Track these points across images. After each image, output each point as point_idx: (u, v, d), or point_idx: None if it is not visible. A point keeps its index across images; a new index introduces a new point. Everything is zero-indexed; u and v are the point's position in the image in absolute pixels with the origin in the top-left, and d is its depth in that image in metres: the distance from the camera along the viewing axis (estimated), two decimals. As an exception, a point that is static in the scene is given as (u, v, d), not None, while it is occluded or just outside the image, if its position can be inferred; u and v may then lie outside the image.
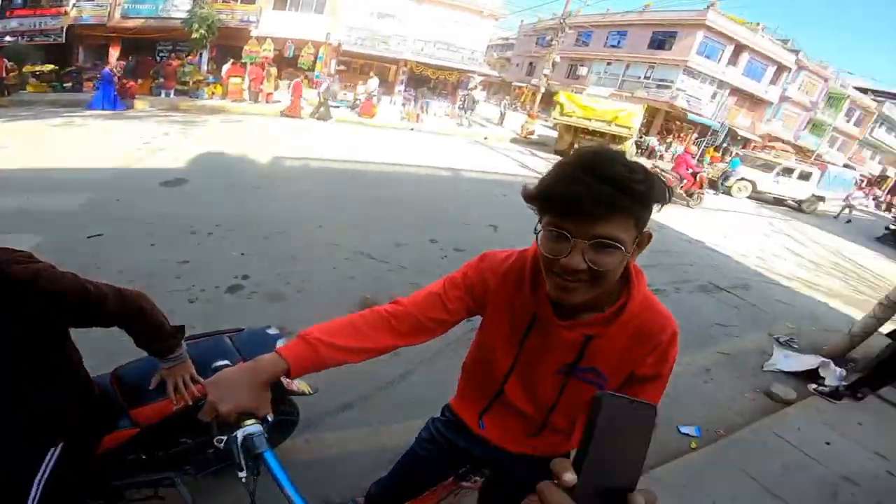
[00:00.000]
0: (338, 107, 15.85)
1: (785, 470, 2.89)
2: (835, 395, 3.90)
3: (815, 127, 30.80)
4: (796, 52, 27.45)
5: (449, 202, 7.29)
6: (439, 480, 1.39)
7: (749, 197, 16.09)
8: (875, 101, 33.14)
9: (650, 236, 0.86)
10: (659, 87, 25.67)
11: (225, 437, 0.84)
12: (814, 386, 4.04)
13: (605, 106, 15.27)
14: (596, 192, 0.74)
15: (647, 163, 18.69)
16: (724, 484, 2.65)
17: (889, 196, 32.02)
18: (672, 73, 25.32)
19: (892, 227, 14.76)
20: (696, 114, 24.98)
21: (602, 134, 14.83)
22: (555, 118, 16.02)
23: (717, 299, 5.72)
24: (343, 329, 0.96)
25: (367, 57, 19.84)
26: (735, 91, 26.60)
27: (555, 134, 17.28)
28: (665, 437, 3.10)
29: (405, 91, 20.73)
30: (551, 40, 19.77)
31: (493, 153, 13.80)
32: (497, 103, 27.59)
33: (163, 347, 1.30)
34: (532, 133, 18.32)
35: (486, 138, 16.87)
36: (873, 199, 30.88)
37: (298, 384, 1.80)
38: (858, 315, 5.27)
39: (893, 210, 26.86)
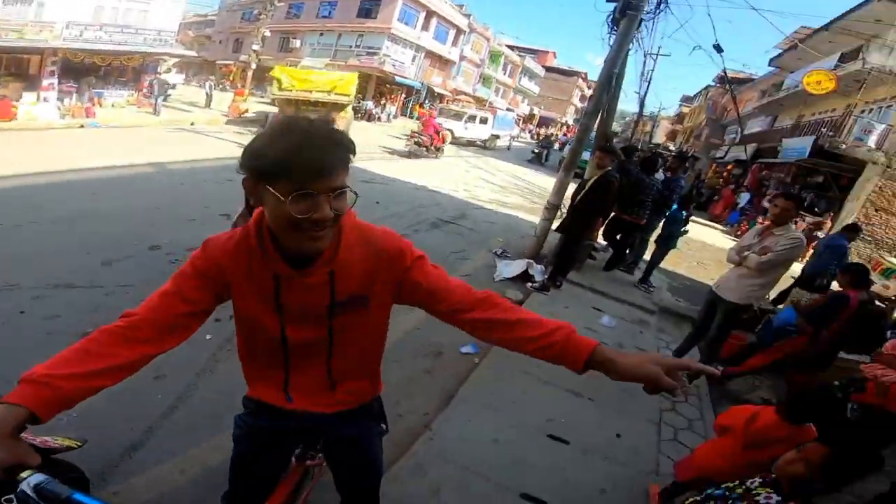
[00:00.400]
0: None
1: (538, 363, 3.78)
2: (544, 287, 5.16)
3: (485, 80, 38.38)
4: (468, 16, 32.82)
5: (163, 201, 6.17)
6: (282, 468, 1.38)
7: (450, 143, 19.25)
8: (519, 55, 43.39)
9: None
10: (368, 54, 27.16)
11: (12, 496, 0.75)
12: (529, 284, 5.26)
13: (322, 77, 15.41)
14: (331, 154, 0.89)
15: (368, 125, 19.98)
16: (513, 385, 3.20)
17: (536, 129, 43.52)
18: (379, 40, 27.03)
19: (535, 150, 20.31)
20: (402, 76, 27.69)
21: (324, 104, 14.97)
22: (273, 94, 15.31)
23: (446, 231, 6.85)
24: (74, 357, 0.87)
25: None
26: (429, 54, 30.37)
27: (273, 109, 16.48)
28: (452, 360, 3.55)
29: (62, 83, 15.79)
30: (259, 14, 18.30)
31: (206, 138, 12.25)
32: (201, 84, 24.12)
33: None
34: (246, 111, 17.07)
35: (192, 124, 14.80)
36: (528, 132, 41.67)
37: (58, 440, 1.40)
38: (537, 220, 6.94)
39: (537, 139, 36.37)
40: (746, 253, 3.51)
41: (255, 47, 18.17)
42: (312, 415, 1.23)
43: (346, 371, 1.20)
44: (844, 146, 12.94)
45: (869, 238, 12.38)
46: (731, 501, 1.67)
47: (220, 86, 28.03)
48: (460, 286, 1.09)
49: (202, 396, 2.70)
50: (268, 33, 19.45)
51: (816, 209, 13.68)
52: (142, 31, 17.00)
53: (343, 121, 15.31)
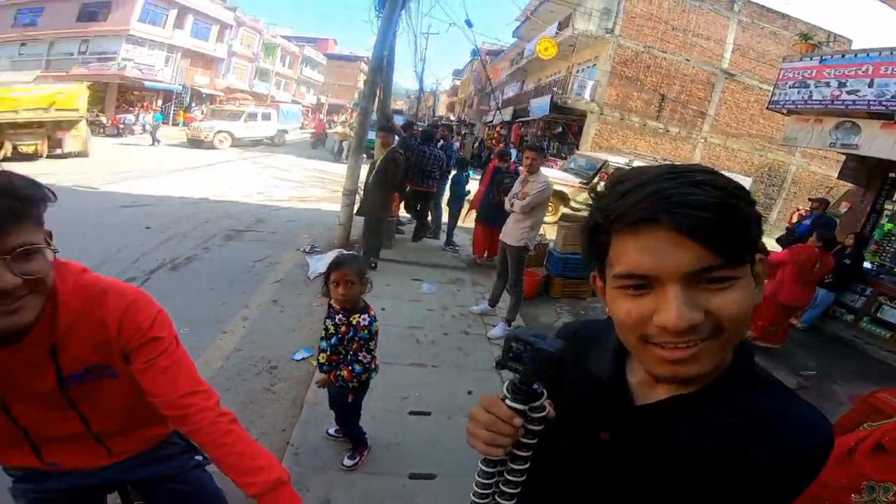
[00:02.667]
0: None
1: (381, 342, 3.57)
2: None
3: (262, 74, 35.64)
4: (233, 9, 29.57)
5: None
6: None
7: (232, 146, 17.48)
8: (298, 45, 41.27)
9: (51, 233, 0.86)
10: (101, 60, 22.70)
11: None
12: None
13: (32, 93, 12.19)
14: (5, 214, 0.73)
15: (117, 141, 16.66)
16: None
17: (325, 118, 42.71)
18: (113, 43, 22.85)
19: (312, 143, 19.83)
20: (153, 80, 24.01)
21: (41, 124, 11.84)
22: None
23: (244, 241, 6.25)
24: None
25: None
26: (188, 52, 26.65)
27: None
28: (290, 369, 3.34)
29: None
30: None
31: None
32: None
33: None
34: None
35: None
36: (319, 121, 40.48)
37: None
38: (339, 208, 6.88)
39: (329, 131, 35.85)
40: (513, 200, 4.11)
41: None
42: (98, 470, 1.08)
43: (115, 431, 1.05)
44: (570, 101, 16.07)
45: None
46: None
47: None
48: (182, 387, 0.97)
49: None
50: None
51: (562, 154, 16.81)
52: None
53: (76, 139, 12.54)
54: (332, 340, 2.17)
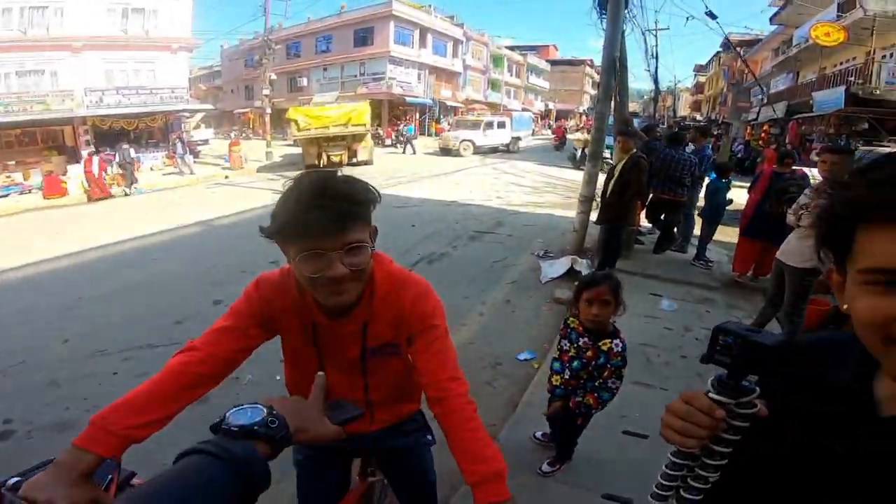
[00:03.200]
0: (5, 195, 12.18)
1: None
2: None
3: (494, 85, 38.46)
4: (461, 25, 33.18)
5: (214, 258, 6.48)
6: (344, 484, 1.46)
7: (473, 153, 19.36)
8: (521, 54, 43.36)
9: (377, 228, 1.04)
10: (374, 80, 27.69)
11: None
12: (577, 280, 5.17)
13: (336, 111, 15.65)
14: (336, 212, 0.89)
15: (393, 150, 20.13)
16: None
17: (556, 123, 43.06)
18: (381, 64, 27.60)
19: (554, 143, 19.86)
20: (412, 96, 28.13)
21: (343, 137, 15.23)
22: (294, 135, 15.75)
23: (485, 242, 6.89)
24: (141, 402, 0.93)
25: (23, 124, 15.37)
26: (433, 69, 30.78)
27: (297, 150, 17.05)
28: (512, 368, 3.51)
29: (101, 153, 16.80)
30: (260, 59, 18.95)
31: (242, 190, 12.79)
32: (226, 136, 25.35)
33: None
34: (243, 162, 16.82)
35: (226, 177, 15.47)
36: (549, 128, 41.23)
37: None
38: (574, 214, 6.86)
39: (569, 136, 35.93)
40: (802, 212, 3.40)
41: (265, 92, 18.63)
42: (357, 434, 1.28)
43: (382, 401, 1.26)
44: (878, 91, 12.34)
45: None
46: None
47: (244, 134, 29.28)
48: (447, 371, 1.08)
49: None
50: (273, 76, 19.91)
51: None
52: (156, 90, 17.75)
53: (365, 150, 15.61)
54: (574, 364, 2.08)
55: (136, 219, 9.29)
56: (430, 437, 1.43)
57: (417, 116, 29.90)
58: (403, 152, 19.73)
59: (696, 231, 6.20)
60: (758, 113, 20.89)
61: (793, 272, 3.47)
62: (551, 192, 10.96)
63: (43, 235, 8.22)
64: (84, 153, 15.25)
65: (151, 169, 16.84)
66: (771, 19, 20.67)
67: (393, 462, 1.43)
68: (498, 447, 1.02)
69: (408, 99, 28.02)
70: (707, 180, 6.08)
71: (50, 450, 2.43)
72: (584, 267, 5.43)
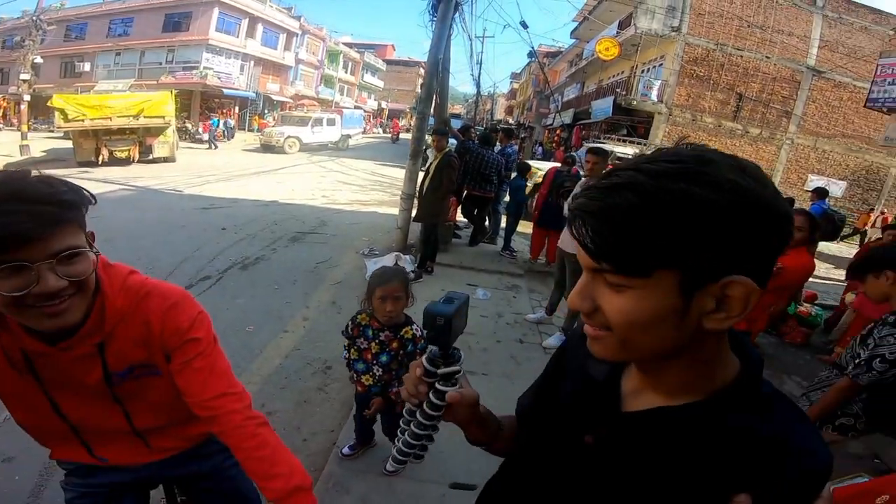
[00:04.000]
0: None
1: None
2: (417, 276, 5.16)
3: (327, 81, 37.28)
4: (299, 17, 31.21)
5: None
6: None
7: (300, 150, 18.42)
8: (358, 52, 42.91)
9: (93, 234, 0.88)
10: (185, 69, 24.67)
11: None
12: None
13: (123, 101, 13.19)
14: (36, 214, 0.74)
15: (197, 146, 18.05)
16: None
17: (387, 122, 44.16)
18: (195, 52, 24.66)
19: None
20: (231, 88, 25.66)
21: (133, 130, 12.89)
22: (60, 127, 12.79)
23: (308, 243, 6.52)
24: None
25: None
26: (259, 61, 28.39)
27: (68, 145, 13.75)
28: (344, 371, 3.26)
29: None
30: (23, 40, 15.07)
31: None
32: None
33: None
34: None
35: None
36: (380, 127, 42.04)
37: None
38: (397, 212, 7.03)
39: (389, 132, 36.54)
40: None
41: (24, 77, 14.94)
42: (146, 465, 1.12)
43: (157, 427, 1.09)
44: (635, 102, 15.43)
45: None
46: None
47: (-12, 123, 22.89)
48: (215, 388, 0.98)
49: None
50: (39, 60, 16.29)
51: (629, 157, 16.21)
52: None
53: (164, 146, 13.46)
54: (382, 359, 2.09)
55: None
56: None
57: (237, 110, 27.18)
58: (209, 147, 17.72)
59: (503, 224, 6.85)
60: (553, 118, 24.41)
61: (571, 259, 4.03)
62: (378, 190, 11.01)
63: None
64: None
65: None
66: (571, 33, 24.19)
67: (197, 489, 1.27)
68: (294, 459, 0.97)
69: (226, 91, 25.31)
70: (511, 177, 6.77)
71: None
72: (407, 263, 5.51)
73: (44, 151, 14.36)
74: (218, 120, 20.74)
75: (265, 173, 12.62)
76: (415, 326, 2.08)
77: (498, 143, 7.05)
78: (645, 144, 14.79)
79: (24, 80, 14.80)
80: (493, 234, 7.01)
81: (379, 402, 2.15)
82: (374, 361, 2.10)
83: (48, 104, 13.19)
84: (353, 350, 2.15)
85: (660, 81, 15.37)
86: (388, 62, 52.27)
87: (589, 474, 0.60)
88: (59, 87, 20.90)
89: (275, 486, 0.89)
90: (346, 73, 40.84)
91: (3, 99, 25.79)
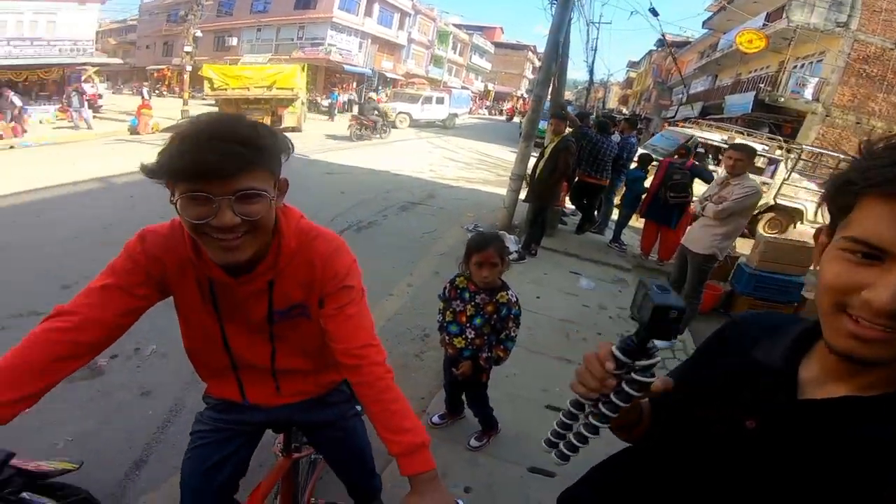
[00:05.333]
0: None
1: (529, 330, 3.46)
2: (520, 257, 5.17)
3: (436, 61, 37.99)
4: None
5: (111, 218, 5.71)
6: (241, 465, 1.28)
7: (409, 126, 19.09)
8: (467, 33, 43.09)
9: (287, 182, 0.95)
10: (313, 45, 26.41)
11: None
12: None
13: (258, 72, 14.44)
14: (227, 152, 0.79)
15: (320, 117, 19.40)
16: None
17: (493, 104, 43.93)
18: (321, 29, 26.30)
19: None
20: (351, 64, 27.20)
21: (267, 100, 14.10)
22: (208, 94, 14.53)
23: (416, 213, 6.81)
24: (11, 377, 0.79)
25: None
26: (375, 39, 29.81)
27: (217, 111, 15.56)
28: (437, 341, 3.35)
29: None
30: (186, 15, 17.12)
31: (146, 148, 11.46)
32: (135, 91, 22.73)
33: None
34: (156, 128, 14.16)
35: (134, 133, 13.83)
36: (486, 108, 41.94)
37: (51, 464, 1.37)
38: (504, 192, 6.97)
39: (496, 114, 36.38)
40: (705, 203, 3.66)
41: (186, 49, 16.98)
42: (275, 408, 1.21)
43: (292, 370, 1.17)
44: (783, 99, 13.69)
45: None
46: None
47: (157, 91, 26.68)
48: (362, 337, 1.01)
49: (192, 408, 2.59)
50: (199, 33, 18.21)
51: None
52: (55, 42, 16.00)
53: (292, 116, 14.46)
54: (476, 322, 2.06)
55: (22, 173, 8.02)
56: (357, 406, 1.34)
57: (355, 85, 28.83)
58: (331, 120, 18.92)
59: (614, 216, 6.56)
60: (676, 111, 22.44)
61: (694, 257, 3.74)
62: (483, 170, 11.12)
63: None
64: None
65: (41, 122, 14.74)
66: (703, 23, 22.06)
67: (320, 436, 1.34)
68: (417, 417, 0.98)
69: (346, 67, 26.94)
70: (627, 170, 6.41)
71: None
72: (511, 243, 5.53)
73: (194, 117, 16.43)
74: (337, 94, 22.09)
75: (380, 145, 13.32)
76: (510, 292, 2.06)
77: (617, 133, 6.70)
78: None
79: (187, 52, 16.96)
80: (601, 225, 6.75)
81: (468, 366, 2.11)
82: (469, 324, 2.08)
83: (199, 73, 15.00)
84: (448, 312, 2.13)
85: (817, 79, 13.46)
86: (497, 45, 51.64)
87: (747, 459, 0.58)
88: (212, 59, 23.47)
89: (403, 439, 0.91)
90: (454, 53, 41.22)
91: (168, 69, 29.90)
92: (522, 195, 5.84)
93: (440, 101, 21.55)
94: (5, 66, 14.67)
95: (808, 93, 13.46)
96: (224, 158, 0.78)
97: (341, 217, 6.08)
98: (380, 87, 30.40)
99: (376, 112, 15.25)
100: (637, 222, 6.37)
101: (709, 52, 22.38)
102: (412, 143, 15.16)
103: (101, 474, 2.05)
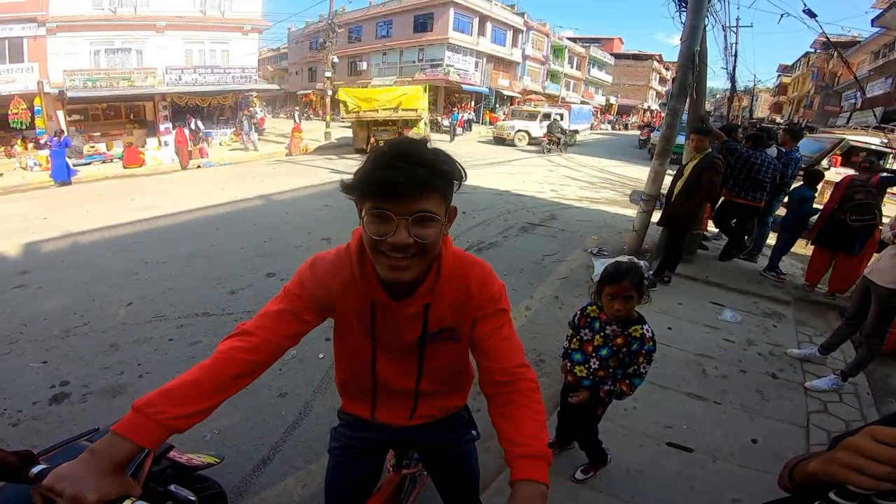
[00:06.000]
0: (88, 163, 13.23)
1: (655, 363, 3.38)
2: (651, 284, 4.76)
3: (553, 76, 37.47)
4: (522, 14, 32.46)
5: (270, 232, 6.72)
6: (373, 479, 1.38)
7: (528, 143, 18.99)
8: (583, 46, 41.87)
9: (456, 210, 1.00)
10: (432, 66, 27.79)
11: None
12: None
13: (386, 94, 15.28)
14: (411, 174, 0.84)
15: (442, 136, 20.28)
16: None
17: (616, 118, 41.70)
18: (439, 51, 27.67)
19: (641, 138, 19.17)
20: (469, 83, 28.03)
21: (393, 122, 14.83)
22: (344, 117, 15.76)
23: (537, 235, 6.71)
24: (189, 390, 0.89)
25: (109, 99, 16.59)
26: (490, 58, 30.43)
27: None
28: (554, 367, 3.32)
29: (179, 127, 18.01)
30: (324, 42, 19.27)
31: (301, 167, 13.24)
32: (289, 115, 26.43)
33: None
34: (305, 149, 16.67)
35: (287, 154, 16.02)
36: (608, 123, 39.99)
37: (199, 457, 1.59)
38: (631, 214, 6.64)
39: (621, 128, 34.53)
40: None
41: (327, 74, 18.95)
42: (399, 428, 1.26)
43: (431, 392, 1.21)
44: None
45: None
46: None
47: (305, 114, 30.29)
48: (517, 358, 1.05)
49: (318, 412, 2.87)
50: (335, 59, 20.11)
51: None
52: (229, 70, 18.69)
53: (416, 136, 15.05)
54: (603, 353, 2.00)
55: (203, 190, 9.81)
56: (474, 432, 1.39)
57: (473, 104, 29.67)
58: (450, 140, 19.53)
59: (770, 241, 5.73)
60: (848, 118, 19.12)
61: (881, 292, 3.11)
62: (609, 189, 10.55)
63: (121, 200, 8.86)
64: (161, 127, 16.50)
65: (220, 144, 17.78)
66: (873, 21, 18.89)
67: (435, 456, 1.39)
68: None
69: (464, 86, 27.87)
70: (788, 187, 5.55)
71: (99, 417, 2.57)
72: (644, 270, 5.11)
73: (338, 138, 18.33)
74: (458, 113, 22.88)
75: (498, 164, 13.52)
76: (646, 326, 1.94)
77: (776, 147, 5.82)
78: None
79: (328, 77, 19.08)
80: (753, 250, 5.90)
81: (586, 395, 2.05)
82: (594, 354, 2.03)
83: (335, 97, 16.47)
84: (574, 339, 2.11)
85: None
86: (616, 56, 49.10)
87: None
88: (347, 83, 26.01)
89: (531, 443, 0.92)
90: (571, 68, 40.17)
91: (313, 93, 33.81)
92: (655, 217, 5.41)
93: (559, 117, 21.13)
94: (196, 93, 17.60)
95: None
96: (406, 179, 0.84)
97: (462, 238, 6.22)
98: (497, 105, 30.85)
99: (560, 131, 17.71)
100: (804, 249, 5.48)
101: (885, 52, 19.20)
102: (531, 161, 15.05)
103: (233, 467, 2.29)
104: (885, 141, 7.27)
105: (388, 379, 1.16)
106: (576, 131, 21.69)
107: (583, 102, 35.54)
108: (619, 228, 6.86)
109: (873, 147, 7.17)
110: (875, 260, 3.28)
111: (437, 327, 1.07)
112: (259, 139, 17.63)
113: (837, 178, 5.82)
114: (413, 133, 15.22)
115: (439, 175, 0.89)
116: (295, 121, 17.74)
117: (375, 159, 0.89)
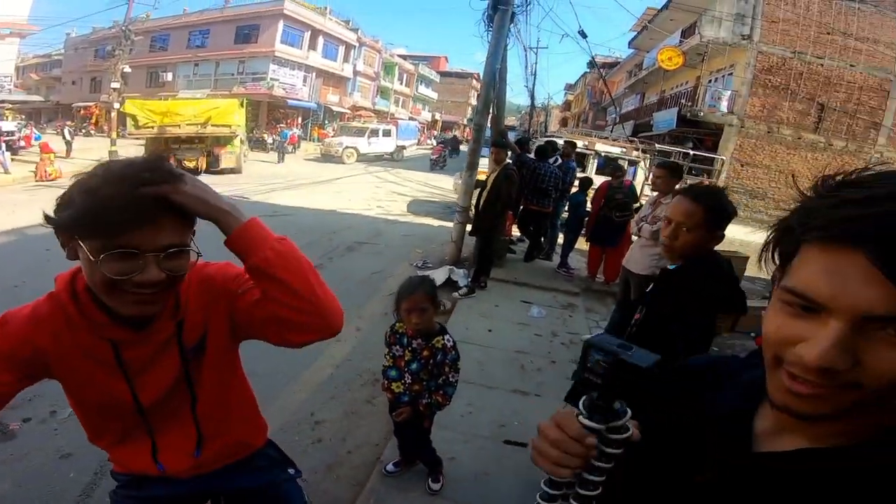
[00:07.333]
0: None
1: (481, 365, 3.55)
2: (470, 290, 5.10)
3: (383, 92, 38.36)
4: (356, 30, 32.44)
5: (22, 277, 5.08)
6: None
7: (357, 160, 18.99)
8: (413, 63, 43.98)
9: (194, 232, 0.92)
10: (254, 79, 26.07)
11: None
12: (455, 292, 5.11)
13: (192, 108, 13.39)
14: (156, 202, 0.75)
15: (266, 158, 18.84)
16: (459, 397, 2.90)
17: (440, 134, 44.53)
18: (263, 64, 26.03)
19: (432, 157, 20.47)
20: (295, 98, 26.84)
21: (201, 139, 13.00)
22: (131, 133, 13.47)
23: (363, 253, 6.66)
24: None
25: None
26: (320, 72, 29.64)
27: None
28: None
29: None
30: (114, 50, 16.42)
31: (49, 192, 10.51)
32: (58, 131, 21.40)
33: None
34: (52, 174, 11.47)
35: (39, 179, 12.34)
36: (433, 139, 42.44)
37: None
38: (452, 225, 6.98)
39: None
40: (641, 224, 3.74)
41: (114, 85, 16.12)
42: (197, 477, 1.10)
43: (216, 420, 1.08)
44: (702, 113, 14.71)
45: (741, 189, 14.14)
46: None
47: (83, 130, 25.30)
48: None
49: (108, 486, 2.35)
50: (128, 69, 17.55)
51: (693, 172, 15.33)
52: None
53: (231, 156, 13.14)
54: (413, 367, 2.06)
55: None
56: (291, 470, 1.26)
57: (300, 120, 28.53)
58: (279, 161, 18.19)
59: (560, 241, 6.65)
60: (611, 131, 23.73)
61: (636, 279, 3.79)
62: (432, 202, 11.10)
63: None
64: None
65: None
66: (629, 43, 23.56)
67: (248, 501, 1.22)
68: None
69: (290, 101, 26.64)
70: (568, 193, 6.56)
71: None
72: (461, 277, 5.44)
73: (124, 157, 15.56)
74: (288, 131, 21.33)
75: (324, 182, 13.10)
76: (447, 337, 2.05)
77: (559, 158, 6.85)
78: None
79: (114, 89, 16.08)
80: (549, 251, 6.83)
81: (408, 411, 2.09)
82: (406, 369, 2.08)
83: (120, 110, 13.84)
84: (388, 357, 2.15)
85: (730, 92, 14.54)
86: (442, 74, 52.83)
87: None
88: (145, 95, 22.49)
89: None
90: (401, 84, 41.76)
91: (96, 106, 28.45)
92: (469, 227, 5.81)
93: (387, 133, 21.69)
94: None
95: (724, 106, 14.40)
96: (150, 209, 0.75)
97: (282, 262, 5.79)
98: (326, 121, 30.26)
99: None
100: (585, 246, 6.51)
101: (635, 71, 23.68)
102: (359, 178, 15.05)
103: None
104: (624, 150, 9.38)
105: (158, 408, 1.00)
106: (403, 147, 22.59)
107: (410, 118, 37.23)
108: (442, 240, 7.20)
109: (613, 155, 9.25)
110: (630, 251, 3.97)
111: (194, 337, 0.98)
112: (14, 159, 13.76)
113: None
114: (227, 152, 13.48)
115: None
116: (66, 138, 14.09)
117: (98, 190, 0.75)
